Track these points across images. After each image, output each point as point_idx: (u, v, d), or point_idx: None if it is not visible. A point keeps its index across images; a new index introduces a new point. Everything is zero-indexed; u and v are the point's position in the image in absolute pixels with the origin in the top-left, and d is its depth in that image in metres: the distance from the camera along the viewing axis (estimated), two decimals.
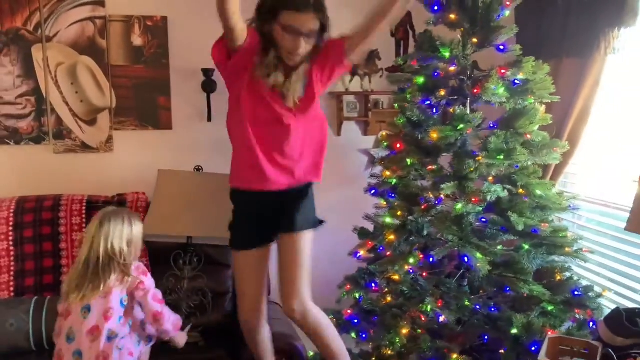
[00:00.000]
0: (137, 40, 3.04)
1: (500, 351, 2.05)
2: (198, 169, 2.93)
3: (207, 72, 3.07)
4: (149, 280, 2.21)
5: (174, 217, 2.68)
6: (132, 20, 3.02)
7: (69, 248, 2.75)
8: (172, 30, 3.08)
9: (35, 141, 2.99)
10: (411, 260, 2.16)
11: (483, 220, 2.33)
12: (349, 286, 2.56)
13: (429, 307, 2.03)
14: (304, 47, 1.91)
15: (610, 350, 1.72)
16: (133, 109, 3.08)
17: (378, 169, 2.62)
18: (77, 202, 2.82)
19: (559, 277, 2.17)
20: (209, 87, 3.10)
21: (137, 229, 2.22)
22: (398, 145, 2.44)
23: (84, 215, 2.79)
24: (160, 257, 2.79)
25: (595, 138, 2.61)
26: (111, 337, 2.04)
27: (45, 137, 3.00)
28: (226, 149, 3.17)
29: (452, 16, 2.21)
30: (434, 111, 2.43)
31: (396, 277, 2.30)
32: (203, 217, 2.67)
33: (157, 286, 2.44)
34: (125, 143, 3.10)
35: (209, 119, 3.16)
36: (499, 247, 2.22)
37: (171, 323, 2.23)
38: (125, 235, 2.15)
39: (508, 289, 2.22)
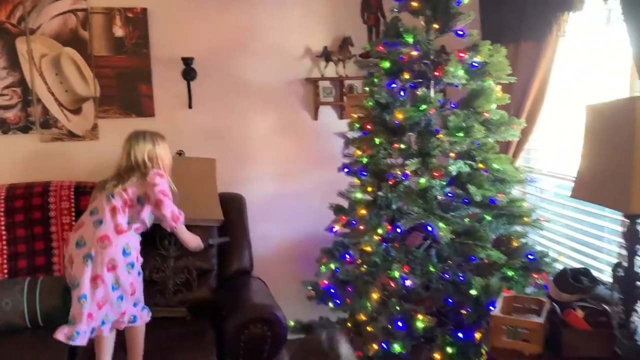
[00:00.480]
0: (118, 31, 3.16)
1: (463, 312, 2.24)
2: (180, 153, 3.07)
3: (187, 61, 3.21)
4: (161, 181, 2.45)
5: None
6: (113, 12, 3.14)
7: (59, 231, 2.89)
8: (152, 21, 3.20)
9: (23, 130, 3.11)
10: (380, 231, 2.34)
11: (449, 194, 2.51)
12: (325, 259, 2.73)
13: (396, 273, 2.22)
14: None
15: (555, 304, 1.92)
16: (116, 97, 3.20)
17: (351, 149, 2.78)
18: (66, 188, 2.95)
19: (515, 244, 2.36)
20: (189, 75, 3.24)
21: (159, 147, 2.55)
22: (368, 127, 2.60)
23: (72, 200, 2.93)
24: (146, 238, 2.93)
25: (551, 116, 2.80)
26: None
27: (32, 127, 3.12)
28: (206, 133, 3.35)
29: (414, 4, 2.37)
30: (402, 94, 2.60)
31: (368, 249, 2.47)
32: (185, 199, 2.80)
33: (144, 265, 2.62)
34: (110, 130, 3.23)
35: (190, 106, 3.30)
36: (465, 219, 2.40)
37: (170, 211, 2.44)
38: (146, 150, 2.50)
39: (473, 257, 2.41)
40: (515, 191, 3.03)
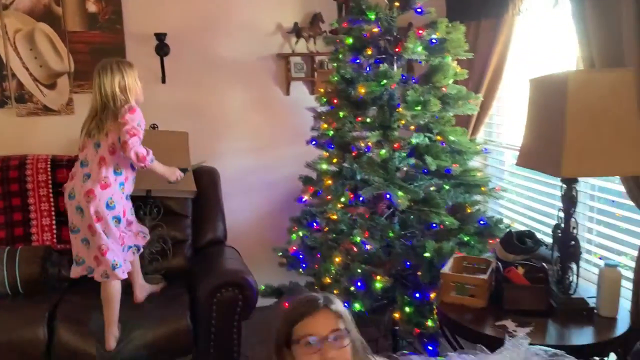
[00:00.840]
0: (91, 7, 3.21)
1: (418, 273, 2.41)
2: (153, 126, 3.17)
3: (160, 37, 3.28)
4: (131, 117, 2.46)
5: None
6: None
7: (36, 203, 2.98)
8: None
9: None
10: (342, 200, 2.48)
11: (413, 165, 2.66)
12: (295, 227, 2.88)
13: (357, 238, 2.37)
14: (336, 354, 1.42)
15: (500, 264, 2.09)
16: (91, 72, 3.21)
17: (319, 123, 2.90)
18: (42, 161, 3.04)
19: (469, 210, 2.52)
20: (162, 50, 3.31)
21: (128, 77, 2.55)
22: (335, 101, 2.73)
23: (49, 173, 3.02)
24: None
25: (511, 91, 2.95)
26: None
27: (7, 102, 3.18)
28: (179, 108, 3.44)
29: None
30: (368, 69, 2.72)
31: (334, 217, 2.62)
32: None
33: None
34: (85, 105, 3.24)
35: (163, 81, 3.38)
36: (423, 187, 2.56)
37: (134, 153, 2.44)
38: (116, 82, 2.51)
39: (433, 224, 2.57)
40: (477, 163, 3.21)
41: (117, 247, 2.55)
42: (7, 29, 3.11)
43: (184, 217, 3.20)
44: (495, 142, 3.20)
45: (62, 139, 3.27)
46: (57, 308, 2.58)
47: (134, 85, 2.61)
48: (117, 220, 2.54)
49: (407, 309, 2.45)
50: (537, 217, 2.73)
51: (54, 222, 3.00)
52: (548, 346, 1.60)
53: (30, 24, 3.14)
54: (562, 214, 1.99)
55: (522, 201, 2.91)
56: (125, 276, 2.57)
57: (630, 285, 2.00)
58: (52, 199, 3.00)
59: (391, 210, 2.67)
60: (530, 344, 1.56)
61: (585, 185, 2.44)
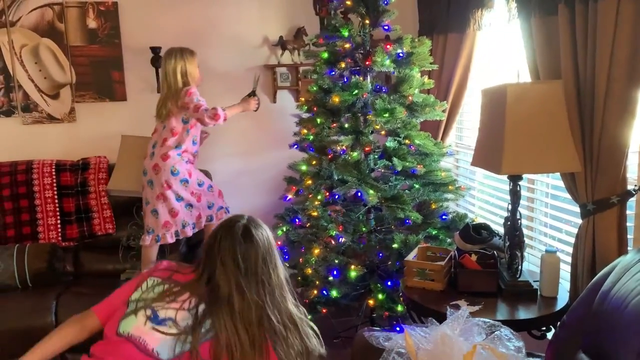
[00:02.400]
0: (91, 23, 3.48)
1: (389, 262, 2.68)
2: None
3: (155, 50, 3.55)
4: (189, 98, 2.87)
5: (135, 175, 3.17)
6: (87, 5, 3.46)
7: (42, 204, 3.24)
8: (122, 13, 3.54)
9: (6, 114, 3.44)
10: (319, 197, 2.76)
11: (386, 166, 2.94)
12: (280, 223, 3.15)
13: (333, 232, 2.64)
14: None
15: (457, 253, 2.36)
16: (91, 83, 3.54)
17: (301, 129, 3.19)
18: (48, 166, 3.30)
19: (433, 207, 2.80)
20: (157, 62, 3.58)
21: (189, 63, 2.96)
22: (314, 109, 3.00)
23: (54, 176, 3.28)
24: (124, 209, 3.31)
25: (475, 98, 3.24)
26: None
27: (14, 111, 3.45)
28: None
29: (348, 2, 2.77)
30: (345, 80, 3.00)
31: (315, 213, 2.89)
32: None
33: (120, 233, 3.02)
34: (86, 113, 3.57)
35: (158, 91, 3.64)
36: (392, 186, 2.84)
37: (209, 122, 2.88)
38: (178, 68, 2.93)
39: (407, 220, 2.85)
40: (449, 164, 3.50)
41: (196, 204, 3.02)
42: (14, 44, 3.37)
43: (254, 92, 3.38)
44: (465, 145, 3.49)
45: (65, 145, 3.53)
46: (64, 298, 2.84)
47: (194, 70, 3.01)
48: (186, 182, 2.96)
49: (380, 296, 2.72)
50: (501, 213, 3.01)
51: (58, 221, 3.25)
52: (497, 321, 1.86)
53: (35, 40, 3.41)
54: (510, 207, 2.26)
55: (488, 199, 3.20)
56: (191, 234, 3.01)
57: (569, 268, 2.28)
58: (56, 201, 3.26)
59: (367, 207, 2.95)
60: (475, 317, 1.83)
61: (542, 184, 2.72)
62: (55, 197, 3.26)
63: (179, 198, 2.96)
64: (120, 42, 3.55)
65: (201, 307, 1.60)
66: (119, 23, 3.53)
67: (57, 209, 3.26)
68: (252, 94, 3.28)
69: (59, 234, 3.25)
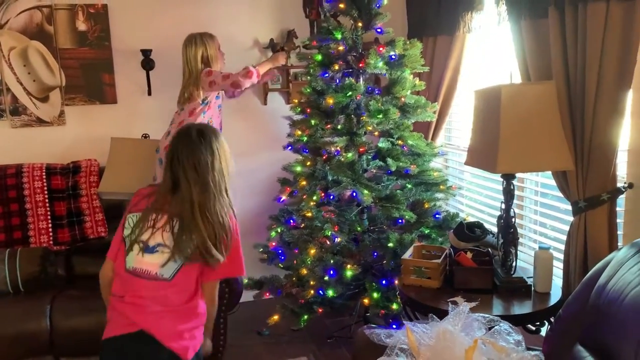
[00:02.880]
0: (81, 25, 3.46)
1: (383, 262, 2.72)
2: (145, 136, 3.42)
3: (145, 52, 3.54)
4: (209, 77, 2.95)
5: (126, 177, 3.16)
6: (76, 8, 3.44)
7: (33, 208, 3.21)
8: (112, 16, 3.52)
9: None
10: (314, 198, 2.79)
11: (379, 167, 2.98)
12: (274, 225, 3.17)
13: (328, 232, 2.67)
14: None
15: (452, 250, 2.41)
16: (81, 86, 3.52)
17: (294, 130, 3.21)
18: (37, 169, 3.27)
19: (426, 206, 2.85)
20: (147, 65, 3.57)
21: (210, 48, 3.04)
22: (308, 110, 3.03)
23: (44, 180, 3.25)
24: (115, 211, 3.29)
25: (465, 99, 3.30)
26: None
27: (3, 114, 3.41)
28: (165, 118, 3.70)
29: (342, 5, 2.80)
30: (337, 81, 3.03)
31: (309, 214, 2.92)
32: (151, 176, 3.17)
33: (112, 236, 2.98)
34: (76, 116, 3.55)
35: (149, 93, 3.64)
36: (387, 186, 2.88)
37: (240, 87, 3.01)
38: (199, 54, 3.01)
39: (399, 219, 2.89)
40: (439, 164, 3.55)
41: None
42: (2, 46, 3.34)
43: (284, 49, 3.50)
44: (454, 145, 3.55)
45: (54, 148, 3.50)
46: (58, 301, 2.82)
47: (216, 53, 3.08)
48: None
49: (374, 295, 2.75)
50: (490, 211, 3.07)
51: (50, 225, 3.22)
52: (493, 315, 1.91)
53: (24, 42, 3.38)
54: (503, 206, 2.32)
55: (477, 197, 3.26)
56: None
57: (562, 265, 2.34)
58: (47, 204, 3.23)
59: (360, 207, 2.99)
60: (473, 313, 1.87)
61: (531, 183, 2.79)
62: (46, 200, 3.23)
63: None
64: (110, 44, 3.53)
65: (176, 225, 1.85)
66: (109, 25, 3.51)
67: (48, 213, 3.23)
68: (282, 49, 3.39)
69: (51, 238, 3.22)
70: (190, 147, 1.89)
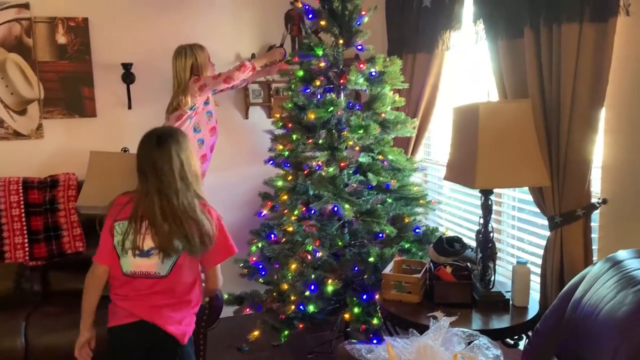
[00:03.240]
0: (61, 38, 3.44)
1: (365, 276, 2.73)
2: (125, 150, 3.39)
3: (126, 66, 3.53)
4: (197, 83, 3.03)
5: (105, 192, 3.09)
6: (56, 21, 3.42)
7: (9, 222, 3.16)
8: (93, 29, 3.51)
9: None
10: (296, 212, 2.79)
11: (360, 181, 3.01)
12: (255, 240, 3.17)
13: (309, 247, 2.67)
14: None
15: (432, 265, 2.43)
16: (60, 99, 3.49)
17: (275, 145, 3.22)
18: (14, 183, 3.22)
19: (406, 220, 2.88)
20: (128, 78, 3.56)
21: (199, 56, 3.10)
22: (289, 125, 3.05)
23: (21, 194, 3.21)
24: (94, 226, 3.23)
25: (445, 115, 3.35)
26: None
27: None
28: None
29: (323, 22, 2.84)
30: (319, 97, 3.06)
31: (290, 229, 2.92)
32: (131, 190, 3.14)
33: (91, 251, 2.95)
34: (54, 130, 3.51)
35: (130, 107, 3.63)
36: (367, 200, 2.91)
37: (232, 82, 3.07)
38: (188, 65, 3.07)
39: (379, 233, 2.91)
40: (418, 179, 3.59)
41: None
42: None
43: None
44: (433, 160, 3.60)
45: (32, 162, 3.46)
46: (33, 318, 2.77)
47: (206, 63, 3.14)
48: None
49: (355, 310, 2.76)
50: (468, 226, 3.11)
51: (26, 240, 3.17)
52: (475, 331, 1.93)
53: (2, 55, 3.35)
54: (482, 221, 2.35)
55: (456, 212, 3.30)
56: None
57: (539, 279, 2.38)
58: (24, 219, 3.18)
59: (341, 221, 3.00)
60: (453, 327, 1.89)
61: (509, 198, 2.84)
62: (23, 215, 3.18)
63: None
64: (90, 57, 3.51)
65: (154, 228, 1.99)
66: (89, 39, 3.50)
67: (25, 228, 3.18)
68: (280, 46, 3.43)
69: (26, 253, 3.16)
70: (150, 153, 2.02)
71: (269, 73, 3.56)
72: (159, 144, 2.02)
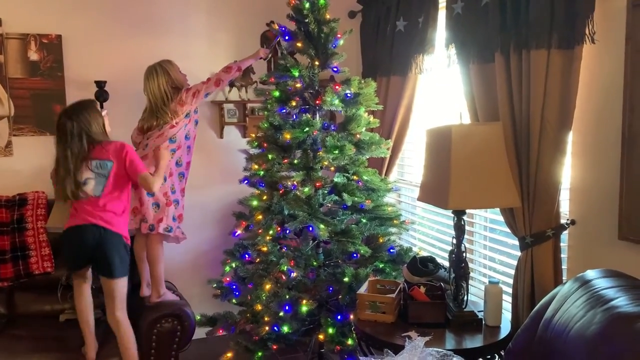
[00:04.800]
0: (33, 55, 3.40)
1: (339, 297, 2.73)
2: None
3: (100, 84, 3.50)
4: (185, 98, 3.09)
5: None
6: (28, 37, 3.38)
7: None
8: (66, 46, 3.48)
9: None
10: (270, 232, 2.79)
11: (335, 201, 3.02)
12: (229, 260, 3.14)
13: (284, 267, 2.67)
14: None
15: (406, 285, 2.45)
16: (32, 116, 3.43)
17: (251, 164, 3.22)
18: None
19: (381, 240, 2.90)
20: (102, 96, 3.52)
21: (171, 70, 3.12)
22: (264, 145, 3.06)
23: None
24: (61, 249, 3.18)
25: (417, 136, 3.40)
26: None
27: None
28: None
29: (299, 44, 2.88)
30: (294, 117, 3.08)
31: (264, 249, 2.91)
32: None
33: (59, 271, 2.94)
34: (24, 147, 3.45)
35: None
36: (342, 220, 2.92)
37: (221, 83, 3.22)
38: (161, 84, 3.05)
39: (354, 253, 2.91)
40: (392, 199, 3.63)
41: (151, 208, 3.06)
42: None
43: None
44: (407, 181, 3.64)
45: (0, 179, 3.37)
46: None
47: (179, 75, 3.16)
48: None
49: (330, 330, 2.75)
50: (442, 246, 3.15)
51: None
52: (447, 350, 1.94)
53: None
54: (455, 241, 2.38)
55: (429, 232, 3.33)
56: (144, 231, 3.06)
57: (510, 298, 2.41)
58: None
59: (316, 241, 3.00)
60: (427, 347, 1.90)
61: (481, 218, 2.88)
62: None
63: (150, 193, 3.00)
64: (63, 75, 3.48)
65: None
66: (62, 56, 3.46)
67: None
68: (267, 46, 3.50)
69: None
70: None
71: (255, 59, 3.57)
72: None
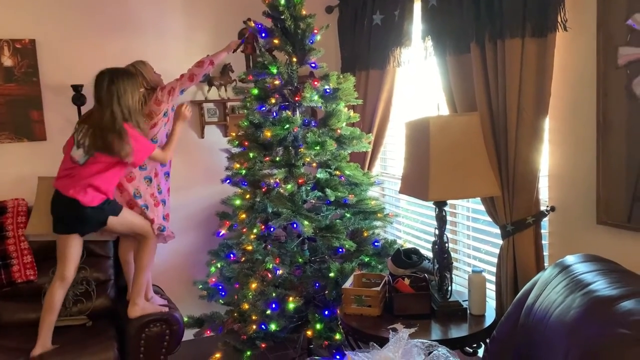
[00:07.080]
0: (7, 61, 3.35)
1: (326, 292, 2.73)
2: None
3: (76, 88, 3.45)
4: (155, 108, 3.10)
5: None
6: (1, 43, 3.33)
7: None
8: (41, 51, 3.43)
9: None
10: (254, 231, 2.78)
11: (318, 196, 3.02)
12: (214, 260, 3.12)
13: (270, 265, 2.66)
14: None
15: (391, 277, 2.46)
16: (8, 123, 3.38)
17: (232, 163, 3.21)
18: None
19: (365, 234, 2.90)
20: (79, 100, 3.48)
21: (145, 71, 3.14)
22: (245, 143, 3.04)
23: None
24: (46, 253, 3.15)
25: (397, 129, 3.42)
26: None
27: None
28: None
29: (276, 41, 2.86)
30: (275, 114, 3.07)
31: (249, 248, 2.90)
32: None
33: (42, 279, 2.87)
34: (2, 155, 3.40)
35: None
36: (326, 216, 2.92)
37: (196, 78, 3.19)
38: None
39: (340, 248, 2.92)
40: (375, 193, 3.64)
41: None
42: None
43: (106, 258, 3.34)
44: (390, 174, 3.66)
45: None
46: None
47: (154, 74, 3.20)
48: (149, 180, 3.09)
49: (317, 326, 2.75)
50: (426, 237, 3.16)
51: None
52: (434, 341, 1.95)
53: None
54: (437, 232, 2.40)
55: (413, 224, 3.35)
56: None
57: (494, 287, 2.43)
58: None
59: (301, 238, 3.00)
60: (413, 339, 1.91)
61: (463, 209, 2.90)
62: None
63: (138, 195, 3.01)
64: (38, 80, 3.42)
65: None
66: (37, 61, 3.41)
67: None
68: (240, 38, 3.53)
69: None
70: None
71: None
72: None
